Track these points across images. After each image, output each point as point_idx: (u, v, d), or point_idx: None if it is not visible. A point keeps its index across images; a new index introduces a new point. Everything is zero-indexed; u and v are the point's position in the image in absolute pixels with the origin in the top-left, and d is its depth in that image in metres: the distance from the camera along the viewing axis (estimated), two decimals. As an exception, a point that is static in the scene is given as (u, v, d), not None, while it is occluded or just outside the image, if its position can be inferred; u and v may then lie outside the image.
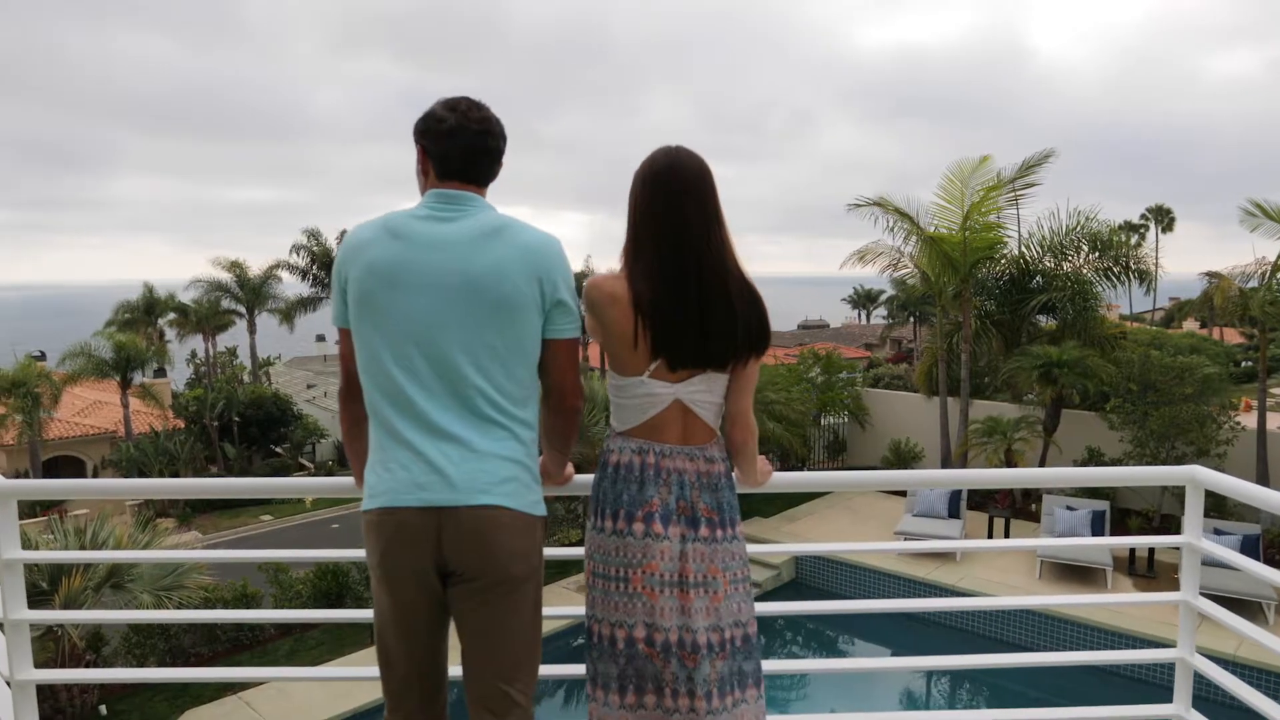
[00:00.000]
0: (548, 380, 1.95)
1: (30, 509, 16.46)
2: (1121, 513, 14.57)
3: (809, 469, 20.91)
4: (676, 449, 1.97)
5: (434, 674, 1.98)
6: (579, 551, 2.09)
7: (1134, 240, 20.95)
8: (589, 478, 2.43)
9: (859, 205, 16.40)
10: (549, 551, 2.52)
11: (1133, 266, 16.26)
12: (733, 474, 2.07)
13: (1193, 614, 2.56)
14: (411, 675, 1.94)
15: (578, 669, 2.41)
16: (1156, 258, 20.84)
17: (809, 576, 15.62)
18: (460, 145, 1.92)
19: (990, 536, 14.32)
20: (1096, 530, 13.71)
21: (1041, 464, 15.79)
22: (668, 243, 1.90)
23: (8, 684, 2.22)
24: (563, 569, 11.91)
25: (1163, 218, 54.91)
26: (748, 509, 17.12)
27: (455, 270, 1.82)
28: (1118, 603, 2.71)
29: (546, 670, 2.46)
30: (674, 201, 1.90)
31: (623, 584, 1.95)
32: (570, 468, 2.24)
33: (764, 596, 14.59)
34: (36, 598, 9.21)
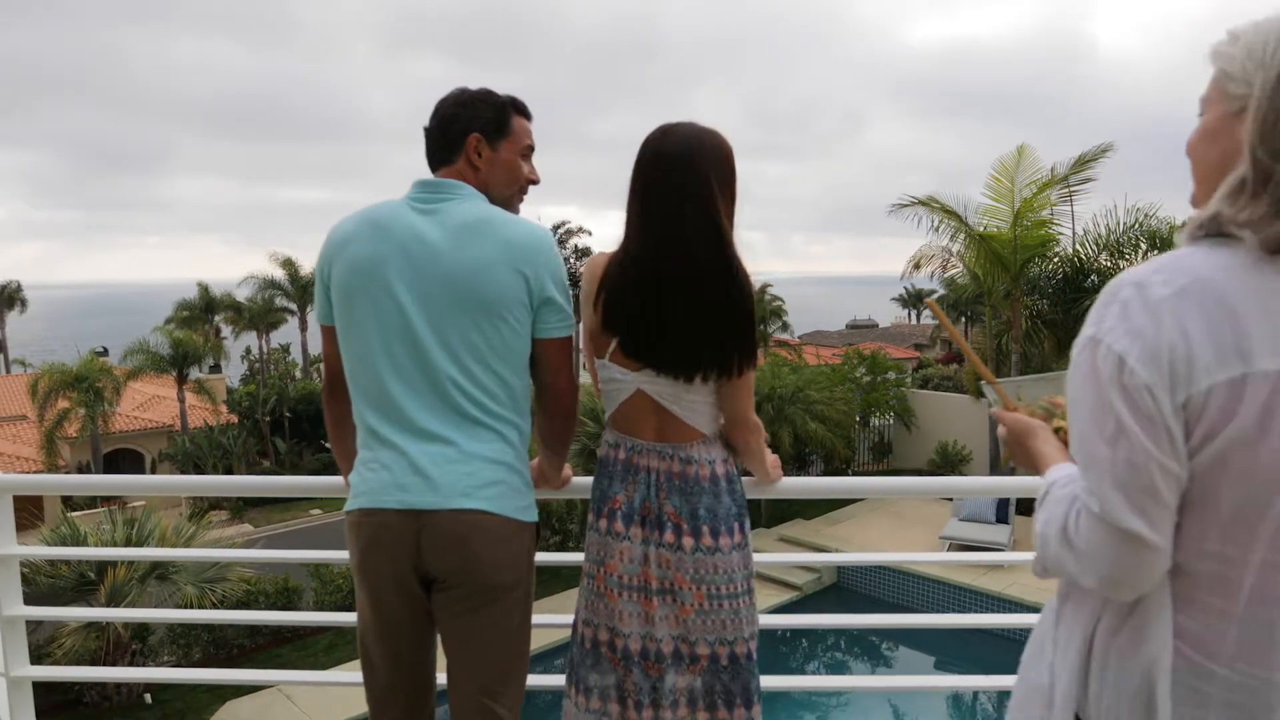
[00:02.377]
0: (539, 381, 1.88)
1: (91, 500, 16.98)
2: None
3: (853, 471, 20.57)
4: (649, 445, 1.86)
5: (419, 683, 1.90)
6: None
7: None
8: (589, 480, 2.34)
9: (903, 206, 16.09)
10: (560, 558, 2.46)
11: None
12: (733, 481, 1.90)
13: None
14: (395, 683, 1.87)
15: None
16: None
17: (851, 580, 15.35)
18: (433, 128, 1.87)
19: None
20: (1001, 516, 13.36)
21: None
22: (636, 225, 1.80)
23: (4, 679, 2.22)
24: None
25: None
26: (789, 511, 16.92)
27: (437, 266, 1.74)
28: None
29: (544, 682, 2.39)
30: (652, 181, 1.78)
31: (592, 580, 1.91)
32: (568, 470, 2.15)
33: (803, 600, 14.37)
34: (84, 588, 9.50)
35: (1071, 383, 1.06)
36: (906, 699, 10.65)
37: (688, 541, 1.83)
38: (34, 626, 11.07)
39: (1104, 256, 16.07)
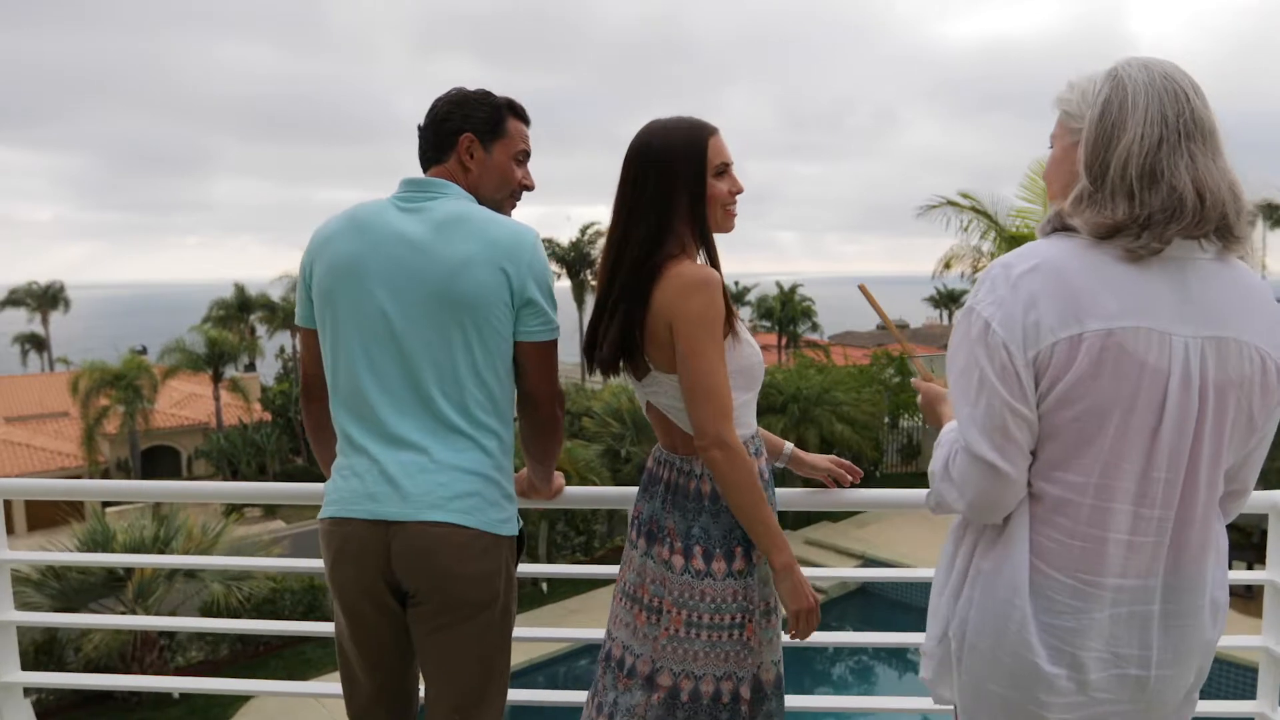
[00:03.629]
0: (520, 387, 1.81)
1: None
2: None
3: (880, 473, 20.37)
4: (665, 456, 1.80)
5: (400, 699, 1.85)
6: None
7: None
8: (583, 490, 2.31)
9: (931, 207, 15.87)
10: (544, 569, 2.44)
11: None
12: (759, 485, 1.70)
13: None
14: (376, 698, 1.83)
15: (574, 695, 2.30)
16: (1263, 256, 19.51)
17: (879, 585, 15.18)
18: (426, 126, 1.84)
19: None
20: None
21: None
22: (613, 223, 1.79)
23: (-5, 684, 2.25)
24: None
25: (1271, 214, 51.58)
26: (817, 513, 16.79)
27: (417, 265, 1.69)
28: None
29: (542, 696, 2.37)
30: (621, 178, 1.75)
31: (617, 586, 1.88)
32: (559, 479, 2.09)
33: (827, 603, 14.25)
34: (114, 584, 9.69)
35: (950, 346, 1.30)
36: None
37: (677, 561, 1.71)
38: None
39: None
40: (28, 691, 2.30)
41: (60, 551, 11.85)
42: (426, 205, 1.74)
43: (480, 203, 1.80)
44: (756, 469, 1.70)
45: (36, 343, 47.90)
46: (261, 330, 36.68)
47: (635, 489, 1.90)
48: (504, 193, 1.86)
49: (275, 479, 26.00)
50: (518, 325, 1.74)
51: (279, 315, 35.30)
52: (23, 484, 2.30)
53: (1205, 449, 1.23)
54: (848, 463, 2.10)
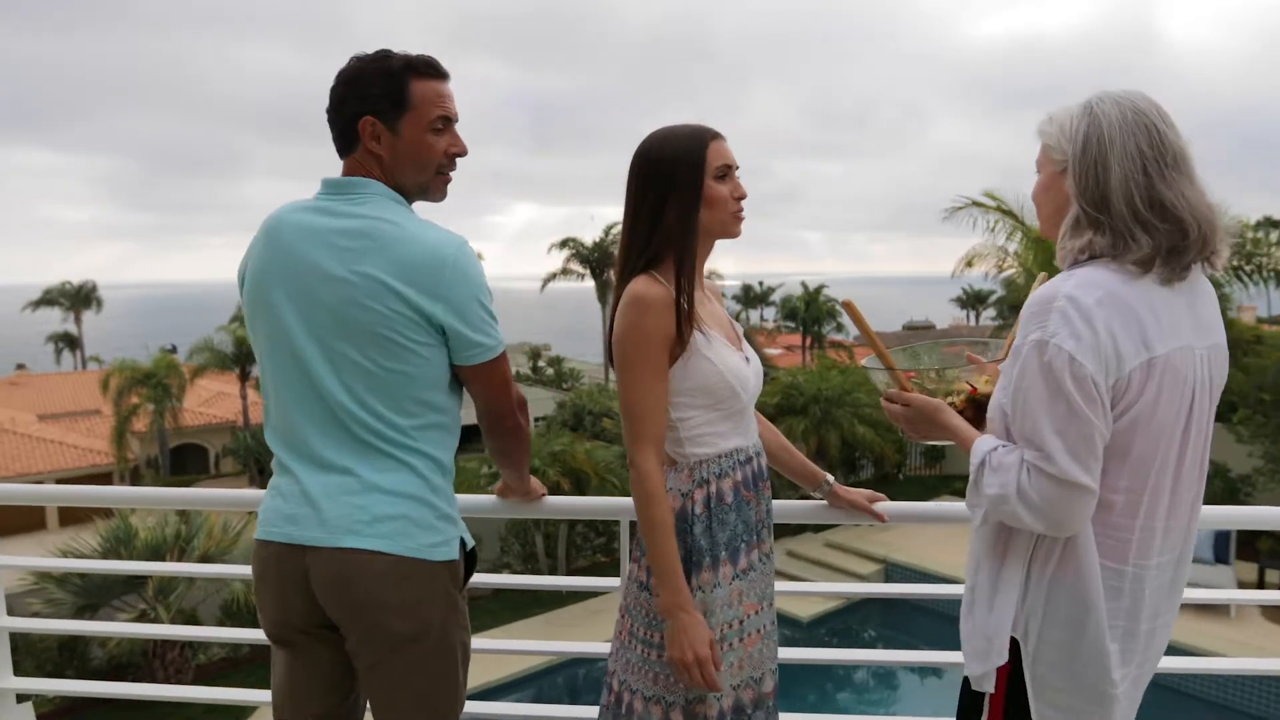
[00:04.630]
0: (476, 404, 1.69)
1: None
2: (1249, 532, 13.40)
3: (903, 476, 20.15)
4: None
5: None
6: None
7: (1275, 237, 19.25)
8: (571, 500, 2.28)
9: (958, 209, 15.68)
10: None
11: (1269, 265, 14.95)
12: (687, 519, 1.68)
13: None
14: None
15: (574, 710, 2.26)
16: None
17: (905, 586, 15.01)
18: (328, 114, 1.63)
19: (1261, 585, 12.75)
20: (1220, 553, 12.62)
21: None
22: None
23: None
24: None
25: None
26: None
27: (320, 284, 1.54)
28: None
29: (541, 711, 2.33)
30: (627, 186, 1.72)
31: None
32: (537, 484, 2.00)
33: (849, 606, 14.10)
34: (135, 582, 9.80)
35: (1022, 375, 1.36)
36: None
37: (634, 569, 1.73)
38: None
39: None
40: (21, 697, 2.30)
41: (65, 557, 12.05)
42: (341, 212, 1.58)
43: (406, 191, 1.63)
44: (660, 496, 1.62)
45: (70, 342, 48.79)
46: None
47: (626, 499, 1.88)
48: (427, 173, 1.64)
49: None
50: (450, 349, 1.59)
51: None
52: (7, 490, 2.29)
53: (1206, 438, 1.45)
54: (881, 496, 2.03)
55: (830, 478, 2.01)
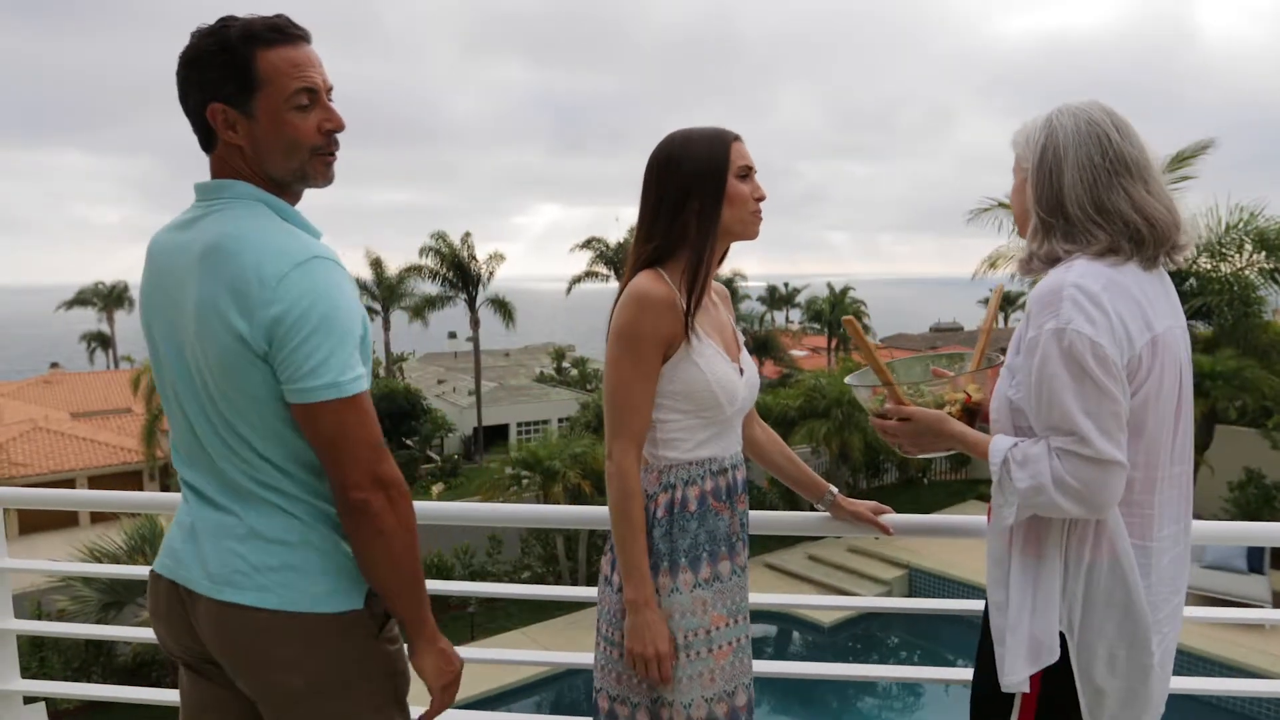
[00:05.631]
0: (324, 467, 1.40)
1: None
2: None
3: (928, 480, 19.94)
4: None
5: None
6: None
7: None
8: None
9: (983, 210, 15.51)
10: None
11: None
12: (652, 518, 1.67)
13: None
14: None
15: None
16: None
17: (928, 592, 14.83)
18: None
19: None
20: (1254, 564, 12.35)
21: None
22: None
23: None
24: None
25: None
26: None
27: (181, 311, 1.37)
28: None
29: None
30: (643, 187, 1.73)
31: None
32: (450, 655, 1.49)
33: (871, 614, 13.94)
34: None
35: (1044, 365, 1.39)
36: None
37: (605, 567, 1.75)
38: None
39: (1203, 259, 15.11)
40: (29, 699, 2.32)
41: (92, 554, 12.21)
42: (199, 226, 1.39)
43: (281, 182, 1.42)
44: (635, 493, 1.62)
45: (103, 341, 49.65)
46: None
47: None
48: (298, 157, 1.40)
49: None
50: (281, 384, 1.33)
51: (332, 315, 35.86)
52: (20, 493, 2.31)
53: (1191, 412, 1.53)
54: (886, 508, 2.00)
55: (834, 489, 1.98)
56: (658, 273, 1.66)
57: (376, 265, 34.51)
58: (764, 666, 2.08)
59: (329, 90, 1.41)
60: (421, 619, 1.44)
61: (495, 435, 31.95)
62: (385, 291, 34.62)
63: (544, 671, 11.96)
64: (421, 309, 33.05)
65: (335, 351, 1.30)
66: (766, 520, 2.05)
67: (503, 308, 31.83)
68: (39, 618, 12.47)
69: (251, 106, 1.35)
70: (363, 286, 34.93)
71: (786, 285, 46.06)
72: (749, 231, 1.70)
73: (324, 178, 1.44)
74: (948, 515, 2.06)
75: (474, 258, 31.09)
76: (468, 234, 31.13)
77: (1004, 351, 1.59)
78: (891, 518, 1.97)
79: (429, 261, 31.24)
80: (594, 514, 2.12)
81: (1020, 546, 1.50)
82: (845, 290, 39.35)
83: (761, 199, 1.69)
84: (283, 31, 1.36)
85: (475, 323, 31.82)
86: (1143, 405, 1.42)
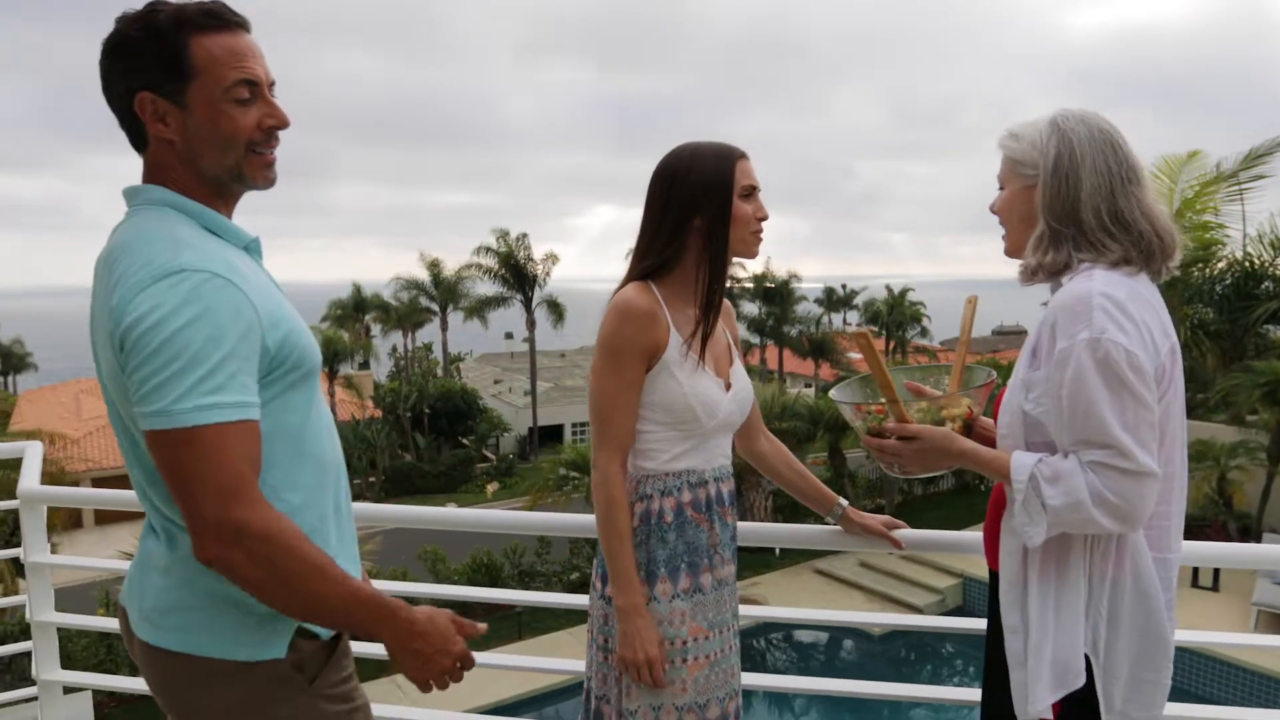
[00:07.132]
0: None
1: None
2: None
3: (985, 487, 19.45)
4: None
5: None
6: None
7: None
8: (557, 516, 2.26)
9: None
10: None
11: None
12: (618, 518, 1.65)
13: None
14: None
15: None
16: None
17: (979, 605, 14.50)
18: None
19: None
20: None
21: (1263, 497, 13.80)
22: None
23: (36, 684, 2.37)
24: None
25: None
26: (911, 521, 16.08)
27: (97, 326, 1.25)
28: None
29: None
30: (647, 199, 1.74)
31: None
32: (419, 647, 1.26)
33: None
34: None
35: (1078, 378, 1.34)
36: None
37: (593, 579, 1.80)
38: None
39: (1281, 260, 14.48)
40: (68, 689, 2.43)
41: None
42: (113, 232, 1.28)
43: (216, 181, 1.29)
44: (620, 502, 1.64)
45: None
46: (376, 330, 38.29)
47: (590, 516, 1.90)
48: (235, 152, 1.27)
49: (384, 473, 27.08)
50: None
51: (392, 316, 36.75)
52: (58, 492, 2.41)
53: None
54: (900, 523, 1.97)
55: (844, 502, 1.95)
56: (646, 285, 1.67)
57: (434, 266, 35.11)
58: (753, 679, 2.07)
59: (271, 85, 1.29)
60: (366, 628, 1.24)
61: (550, 435, 32.24)
62: (444, 292, 35.21)
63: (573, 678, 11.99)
64: (479, 309, 33.54)
65: (178, 375, 1.12)
66: (772, 533, 2.04)
67: (555, 308, 32.09)
68: (107, 607, 12.97)
69: (184, 97, 1.22)
70: (420, 287, 35.59)
71: (844, 287, 45.44)
72: (749, 250, 1.70)
73: (263, 179, 1.31)
74: (964, 532, 2.02)
75: (530, 258, 31.42)
76: (524, 234, 31.47)
77: (995, 361, 1.60)
78: (904, 532, 1.93)
79: (486, 260, 31.67)
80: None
81: (1038, 566, 1.45)
82: (904, 292, 38.63)
83: (763, 219, 1.70)
84: (219, 17, 1.24)
85: (531, 323, 32.16)
86: (1165, 413, 1.40)
